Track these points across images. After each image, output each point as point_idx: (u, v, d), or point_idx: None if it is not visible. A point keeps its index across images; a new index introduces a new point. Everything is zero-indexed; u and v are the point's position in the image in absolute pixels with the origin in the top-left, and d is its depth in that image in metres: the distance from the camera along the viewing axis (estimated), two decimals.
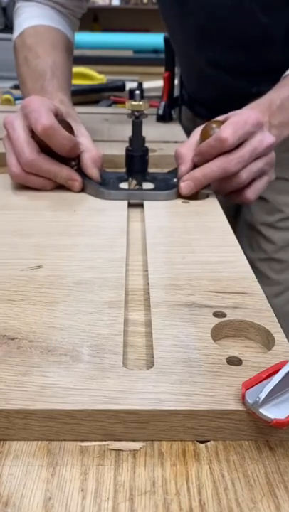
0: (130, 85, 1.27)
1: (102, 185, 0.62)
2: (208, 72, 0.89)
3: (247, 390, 0.28)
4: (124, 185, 0.64)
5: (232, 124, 0.57)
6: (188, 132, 0.97)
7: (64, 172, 0.61)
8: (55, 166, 0.61)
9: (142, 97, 0.63)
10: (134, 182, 0.64)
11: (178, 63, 1.00)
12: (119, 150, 0.73)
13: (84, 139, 0.64)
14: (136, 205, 0.60)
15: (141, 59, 2.36)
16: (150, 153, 0.66)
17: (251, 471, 0.27)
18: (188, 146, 0.62)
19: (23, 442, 0.29)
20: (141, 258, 0.48)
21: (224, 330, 0.36)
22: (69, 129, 0.62)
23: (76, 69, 1.40)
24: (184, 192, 0.59)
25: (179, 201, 0.60)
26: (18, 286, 0.41)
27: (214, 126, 0.60)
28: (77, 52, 0.92)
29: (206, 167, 0.58)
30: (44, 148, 0.60)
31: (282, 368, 0.28)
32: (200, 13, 0.82)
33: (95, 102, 1.23)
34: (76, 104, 1.19)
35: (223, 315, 0.37)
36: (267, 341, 0.35)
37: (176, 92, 1.04)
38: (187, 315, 0.37)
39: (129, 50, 2.62)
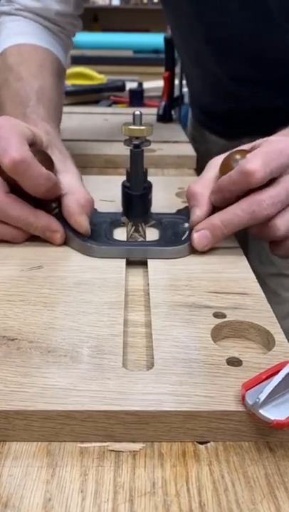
0: (130, 85, 1.27)
1: (90, 237, 0.47)
2: (227, 84, 0.81)
3: (247, 390, 0.28)
4: (119, 233, 0.51)
5: (262, 154, 0.43)
6: (194, 141, 0.95)
7: (40, 220, 0.46)
8: (29, 211, 0.46)
9: (140, 122, 0.47)
10: (133, 229, 0.51)
11: (187, 74, 0.94)
12: (118, 150, 0.73)
13: (68, 177, 0.50)
14: None
15: (141, 59, 2.36)
16: (150, 153, 0.65)
17: (251, 472, 0.27)
18: (203, 183, 0.48)
19: (23, 443, 0.28)
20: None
21: (224, 330, 0.36)
22: (47, 162, 0.48)
23: (76, 69, 1.40)
24: (199, 246, 0.45)
25: (179, 201, 0.60)
26: (18, 287, 0.41)
27: (238, 157, 0.46)
28: (77, 52, 0.92)
29: (228, 211, 0.44)
30: (15, 187, 0.46)
31: (282, 369, 0.28)
32: (222, 26, 0.73)
33: (95, 102, 1.23)
34: (76, 104, 1.19)
35: (223, 316, 0.37)
36: (267, 342, 0.35)
37: (176, 92, 1.04)
38: (187, 315, 0.37)
39: (129, 50, 2.62)
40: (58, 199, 0.49)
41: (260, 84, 0.76)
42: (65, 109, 1.10)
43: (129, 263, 0.46)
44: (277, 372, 0.28)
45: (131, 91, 1.21)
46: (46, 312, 0.37)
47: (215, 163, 0.49)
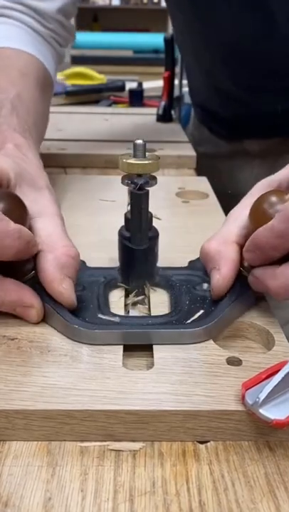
0: (130, 85, 1.27)
1: (76, 311, 0.35)
2: (230, 89, 0.80)
3: (247, 390, 0.28)
4: (116, 296, 0.39)
5: None
6: (194, 140, 0.95)
7: (8, 294, 0.35)
8: None
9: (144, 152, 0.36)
10: (135, 299, 0.39)
11: (191, 75, 0.93)
12: (119, 150, 0.72)
13: (45, 224, 0.38)
14: None
15: (141, 59, 2.36)
16: (150, 154, 0.64)
17: (251, 472, 0.27)
18: (219, 239, 0.38)
19: (23, 442, 0.29)
20: None
21: (224, 330, 0.36)
22: (17, 210, 0.36)
23: (76, 69, 1.40)
24: (256, 286, 0.36)
25: (179, 201, 0.60)
26: None
27: (274, 199, 0.35)
28: (77, 52, 0.91)
29: (281, 276, 0.34)
30: None
31: (282, 369, 0.28)
32: (225, 31, 0.71)
33: (95, 102, 1.23)
34: (76, 104, 1.19)
35: None
36: (267, 342, 0.35)
37: (176, 92, 1.04)
38: None
39: (129, 50, 2.63)
40: (34, 258, 0.36)
41: (264, 90, 0.75)
42: (65, 109, 1.11)
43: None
44: (277, 371, 0.28)
45: (131, 91, 1.21)
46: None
47: (235, 215, 0.39)
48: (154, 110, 1.03)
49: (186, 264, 0.43)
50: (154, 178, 0.37)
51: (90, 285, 0.39)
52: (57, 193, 0.61)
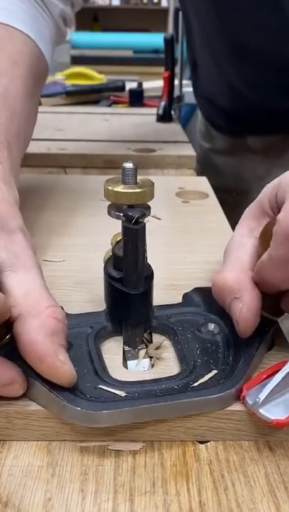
0: (130, 85, 1.27)
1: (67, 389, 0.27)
2: (241, 86, 0.79)
3: (247, 390, 0.28)
4: (112, 350, 0.33)
5: None
6: (201, 136, 0.94)
7: None
8: None
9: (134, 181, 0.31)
10: (145, 360, 0.32)
11: (201, 68, 0.91)
12: (119, 150, 0.72)
13: (20, 277, 0.31)
14: None
15: (141, 59, 2.36)
16: (150, 154, 0.63)
17: (251, 472, 0.27)
18: (238, 266, 0.33)
19: (23, 442, 0.28)
20: None
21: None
22: None
23: (76, 69, 1.40)
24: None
25: (179, 201, 0.60)
26: None
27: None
28: (77, 52, 0.91)
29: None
30: None
31: (282, 369, 0.28)
32: (242, 29, 0.71)
33: (95, 102, 1.23)
34: (76, 104, 1.19)
35: None
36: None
37: (176, 92, 1.04)
38: None
39: (129, 50, 2.62)
40: (10, 323, 0.29)
41: (271, 87, 0.74)
42: (65, 109, 1.11)
43: None
44: (277, 371, 0.28)
45: (131, 91, 1.21)
46: None
47: (238, 243, 0.34)
48: (154, 110, 1.03)
49: (186, 265, 0.43)
50: (148, 208, 0.32)
51: (76, 339, 0.31)
52: (57, 193, 0.61)
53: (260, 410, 0.27)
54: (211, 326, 0.33)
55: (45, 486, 0.26)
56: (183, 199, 0.60)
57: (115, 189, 0.30)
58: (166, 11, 4.21)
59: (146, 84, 1.33)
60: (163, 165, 0.75)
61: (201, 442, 0.29)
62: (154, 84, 1.35)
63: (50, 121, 0.93)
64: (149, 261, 0.34)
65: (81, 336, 0.32)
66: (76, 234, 0.51)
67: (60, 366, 0.27)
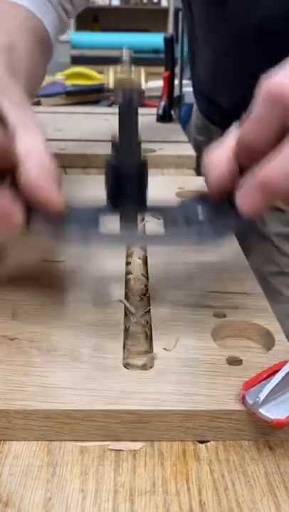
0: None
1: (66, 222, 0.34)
2: (245, 77, 0.81)
3: (247, 390, 0.28)
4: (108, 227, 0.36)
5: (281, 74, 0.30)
6: (197, 131, 0.95)
7: None
8: None
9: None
10: (125, 214, 0.36)
11: (198, 60, 0.90)
12: None
13: (24, 135, 0.34)
14: None
15: (141, 59, 2.35)
16: (150, 153, 0.63)
17: (251, 471, 0.27)
18: (222, 144, 0.35)
19: (23, 442, 0.29)
20: (141, 258, 0.48)
21: (224, 330, 0.36)
22: None
23: (76, 69, 1.40)
24: (247, 209, 0.31)
25: (179, 201, 0.60)
26: (18, 286, 0.41)
27: None
28: (77, 52, 0.91)
29: (273, 167, 0.30)
30: None
31: (282, 368, 0.28)
32: (244, 15, 0.70)
33: (95, 102, 1.23)
34: (76, 104, 1.19)
35: (224, 315, 0.37)
36: (267, 341, 0.35)
37: (176, 92, 1.04)
38: (187, 315, 0.37)
39: (129, 50, 2.62)
40: (12, 170, 0.32)
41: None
42: (65, 109, 1.11)
43: None
44: (277, 371, 0.29)
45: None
46: (46, 311, 0.37)
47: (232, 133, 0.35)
48: (154, 110, 1.03)
49: (186, 265, 0.43)
50: (143, 93, 0.35)
51: (78, 217, 0.35)
52: None
53: (260, 410, 0.27)
54: (199, 208, 0.36)
55: (45, 486, 0.26)
56: (183, 199, 0.60)
57: (111, 75, 0.35)
58: (166, 11, 4.21)
59: (146, 84, 1.33)
60: (163, 165, 0.75)
61: (201, 442, 0.29)
62: (154, 84, 1.35)
63: (50, 121, 0.93)
64: (149, 261, 0.40)
65: (83, 216, 0.35)
66: None
67: (50, 193, 0.32)
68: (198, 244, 0.33)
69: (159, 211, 0.37)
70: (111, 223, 0.35)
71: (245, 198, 0.31)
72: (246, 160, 0.32)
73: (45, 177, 0.32)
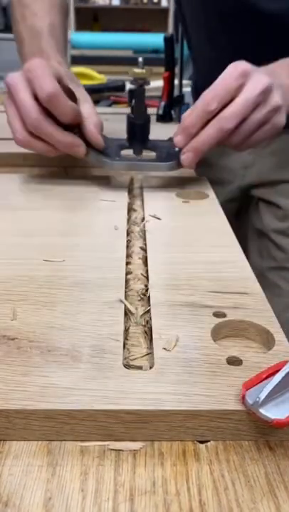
0: (130, 85, 1.27)
1: (104, 154, 0.62)
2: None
3: (247, 390, 0.28)
4: (125, 153, 0.64)
5: (212, 89, 0.56)
6: None
7: (67, 138, 0.59)
8: (59, 131, 0.59)
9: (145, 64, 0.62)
10: (135, 147, 0.65)
11: (199, 57, 0.94)
12: None
13: (86, 105, 0.63)
14: (136, 203, 0.60)
15: None
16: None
17: (251, 471, 0.27)
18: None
19: (23, 442, 0.29)
20: (141, 258, 0.48)
21: (224, 330, 0.36)
22: (72, 96, 0.61)
23: (76, 69, 1.40)
24: (187, 164, 0.59)
25: (179, 201, 0.60)
26: (18, 286, 0.41)
27: None
28: (77, 52, 0.92)
29: (203, 133, 0.57)
30: (49, 115, 0.58)
31: (282, 368, 0.28)
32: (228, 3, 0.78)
33: (95, 102, 1.22)
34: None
35: (224, 315, 0.37)
36: (267, 341, 0.35)
37: (176, 92, 1.04)
38: (187, 315, 0.37)
39: (129, 50, 2.63)
40: (79, 125, 0.61)
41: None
42: None
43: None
44: (277, 371, 0.29)
45: (131, 91, 1.21)
46: (46, 311, 0.37)
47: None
48: (154, 110, 1.03)
49: (186, 265, 0.43)
50: (148, 81, 0.63)
51: (109, 147, 0.64)
52: (57, 193, 0.61)
53: (260, 410, 0.27)
54: (176, 149, 0.61)
55: (45, 486, 0.26)
56: (183, 199, 0.60)
57: (134, 70, 0.62)
58: (166, 10, 4.21)
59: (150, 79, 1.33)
60: None
61: (201, 442, 0.29)
62: (154, 84, 1.35)
63: None
64: (150, 260, 0.45)
65: (112, 147, 0.65)
66: (76, 234, 0.51)
67: (98, 140, 0.62)
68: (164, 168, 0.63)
69: (154, 148, 0.65)
70: (127, 152, 0.65)
71: (185, 153, 0.60)
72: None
73: (95, 128, 0.62)
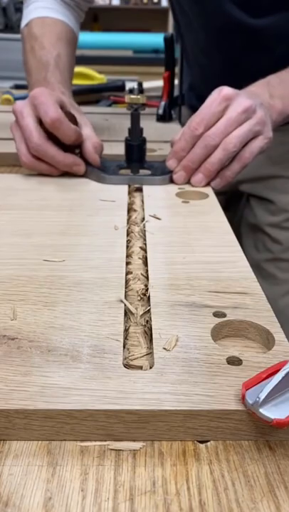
0: (130, 85, 1.27)
1: (103, 171, 0.66)
2: (226, 73, 0.87)
3: (247, 390, 0.28)
4: (123, 172, 0.68)
5: (198, 113, 0.62)
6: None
7: (68, 159, 0.65)
8: (60, 153, 0.65)
9: (140, 91, 0.68)
10: (133, 167, 0.68)
11: (192, 64, 0.99)
12: (119, 150, 0.73)
13: (86, 129, 0.69)
14: (136, 203, 0.60)
15: (141, 59, 2.36)
16: (150, 153, 0.67)
17: (251, 471, 0.27)
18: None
19: (23, 442, 0.29)
20: (141, 258, 0.48)
21: (224, 330, 0.36)
22: (73, 120, 0.66)
23: (76, 69, 1.39)
24: (180, 182, 0.65)
25: (179, 201, 0.60)
26: (18, 286, 0.41)
27: None
28: (77, 52, 0.92)
29: (190, 153, 0.63)
30: (50, 138, 0.64)
31: (282, 368, 0.28)
32: (217, 15, 0.84)
33: (95, 102, 1.23)
34: (76, 104, 1.19)
35: (223, 315, 0.37)
36: (267, 341, 0.35)
37: (176, 92, 1.04)
38: (187, 315, 0.37)
39: (129, 50, 2.62)
40: (80, 145, 0.67)
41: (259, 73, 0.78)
42: None
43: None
44: (277, 371, 0.29)
45: (131, 91, 1.21)
46: (46, 311, 0.37)
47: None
48: (154, 110, 1.03)
49: (186, 265, 0.43)
50: (143, 107, 0.66)
51: (109, 167, 0.69)
52: (57, 193, 0.61)
53: (260, 410, 0.27)
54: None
55: (45, 486, 0.26)
56: (183, 199, 0.60)
57: (130, 96, 0.66)
58: (166, 11, 4.21)
59: (146, 84, 1.33)
60: None
61: (201, 442, 0.29)
62: (154, 84, 1.35)
63: None
64: (149, 260, 0.45)
65: (111, 166, 0.69)
66: (76, 234, 0.51)
67: (95, 158, 0.67)
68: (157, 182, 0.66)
69: (150, 167, 0.68)
70: (125, 171, 0.68)
71: (177, 173, 0.65)
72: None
73: (94, 148, 0.67)
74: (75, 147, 0.67)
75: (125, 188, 0.65)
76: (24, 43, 0.85)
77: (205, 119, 0.61)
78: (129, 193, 0.64)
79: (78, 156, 0.68)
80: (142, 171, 0.68)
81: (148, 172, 0.68)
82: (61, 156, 0.65)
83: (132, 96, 0.66)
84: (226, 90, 0.61)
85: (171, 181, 0.65)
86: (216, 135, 0.60)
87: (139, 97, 0.66)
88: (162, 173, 0.66)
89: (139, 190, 0.66)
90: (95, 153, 0.67)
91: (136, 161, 0.68)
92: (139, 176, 0.67)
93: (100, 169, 0.67)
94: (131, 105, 0.66)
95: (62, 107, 0.65)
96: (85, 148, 0.67)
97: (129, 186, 0.66)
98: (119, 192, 0.63)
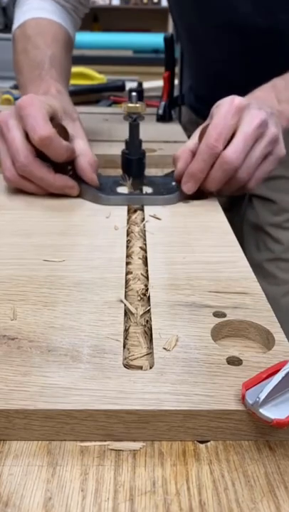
0: (130, 85, 1.27)
1: (99, 190, 0.60)
2: (225, 71, 0.87)
3: (247, 390, 0.28)
4: (121, 190, 0.61)
5: (214, 127, 0.56)
6: (185, 129, 0.98)
7: (58, 182, 0.59)
8: (49, 174, 0.58)
9: (139, 98, 0.62)
10: (132, 184, 0.62)
11: (192, 65, 0.99)
12: (119, 150, 0.73)
13: (80, 142, 0.62)
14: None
15: (141, 59, 2.36)
16: (150, 153, 0.66)
17: (251, 471, 0.27)
18: (184, 149, 0.61)
19: (23, 442, 0.29)
20: (141, 258, 0.48)
21: (224, 330, 0.36)
22: (64, 133, 0.60)
23: (76, 69, 1.40)
24: (188, 191, 0.59)
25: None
26: (18, 286, 0.41)
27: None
28: (77, 52, 0.93)
29: (210, 177, 0.57)
30: (39, 152, 0.58)
31: (282, 368, 0.28)
32: (223, 12, 0.81)
33: (95, 102, 1.23)
34: (76, 104, 1.19)
35: (223, 315, 0.37)
36: (267, 341, 0.35)
37: (176, 92, 1.04)
38: (187, 315, 0.37)
39: (129, 50, 2.63)
40: (72, 161, 0.61)
41: (256, 74, 0.77)
42: None
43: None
44: (277, 371, 0.29)
45: (131, 91, 1.21)
46: (46, 311, 0.37)
47: (196, 133, 0.62)
48: (154, 110, 1.03)
49: (186, 265, 0.43)
50: (142, 116, 0.60)
51: (105, 184, 0.62)
52: (57, 193, 0.61)
53: (260, 410, 0.27)
54: (173, 183, 0.62)
55: (45, 486, 0.26)
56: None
57: (127, 105, 0.59)
58: (166, 11, 4.20)
59: (146, 84, 1.33)
60: (163, 165, 0.75)
61: (201, 442, 0.29)
62: (154, 84, 1.35)
63: None
64: (149, 260, 0.45)
65: (107, 183, 0.63)
66: (76, 234, 0.51)
67: (93, 178, 0.60)
68: (161, 202, 0.59)
69: (150, 183, 0.63)
70: (122, 189, 0.62)
71: (185, 183, 0.59)
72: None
73: (89, 166, 0.60)
74: (68, 164, 0.60)
75: (124, 209, 0.58)
76: (16, 43, 0.80)
77: (223, 134, 0.55)
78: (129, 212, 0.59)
79: (70, 172, 0.61)
80: (143, 188, 0.62)
81: (149, 190, 0.62)
82: (51, 178, 0.58)
83: (130, 104, 0.59)
84: (237, 100, 0.57)
85: (177, 199, 0.59)
86: (237, 158, 0.55)
87: (138, 105, 0.59)
88: (165, 190, 0.61)
89: (140, 209, 0.60)
90: (92, 173, 0.60)
91: (135, 176, 0.62)
92: (139, 195, 0.60)
93: (96, 188, 0.60)
94: (129, 115, 0.59)
95: (52, 118, 0.59)
96: (79, 165, 0.60)
97: (129, 207, 0.59)
98: (118, 216, 0.57)
